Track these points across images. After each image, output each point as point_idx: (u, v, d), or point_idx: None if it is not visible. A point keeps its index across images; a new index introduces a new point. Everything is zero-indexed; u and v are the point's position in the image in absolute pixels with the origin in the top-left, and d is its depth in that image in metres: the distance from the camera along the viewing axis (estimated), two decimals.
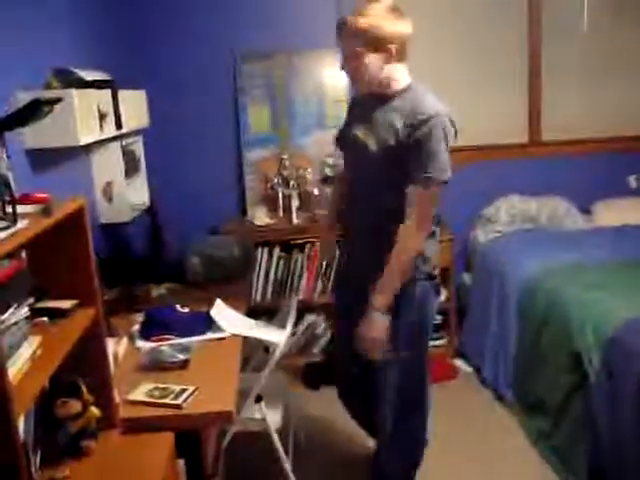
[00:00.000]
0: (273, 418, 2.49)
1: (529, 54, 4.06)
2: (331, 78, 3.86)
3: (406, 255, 2.17)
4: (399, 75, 2.22)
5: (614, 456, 2.43)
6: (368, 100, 2.30)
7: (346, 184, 2.47)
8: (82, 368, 1.77)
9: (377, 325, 2.20)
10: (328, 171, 3.82)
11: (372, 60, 2.15)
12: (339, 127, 2.52)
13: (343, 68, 2.26)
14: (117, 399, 1.92)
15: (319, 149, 3.88)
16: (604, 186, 4.04)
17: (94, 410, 1.78)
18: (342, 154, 2.52)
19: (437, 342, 3.73)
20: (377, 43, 2.13)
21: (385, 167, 2.18)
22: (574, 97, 4.11)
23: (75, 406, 1.73)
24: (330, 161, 3.82)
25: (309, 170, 3.83)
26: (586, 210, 4.01)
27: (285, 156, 3.82)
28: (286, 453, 2.60)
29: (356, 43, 2.14)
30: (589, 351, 2.57)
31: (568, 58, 4.07)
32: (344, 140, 2.44)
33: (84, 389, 1.75)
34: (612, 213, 3.93)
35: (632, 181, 4.14)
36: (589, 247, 3.45)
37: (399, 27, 2.15)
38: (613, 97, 4.13)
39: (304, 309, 3.67)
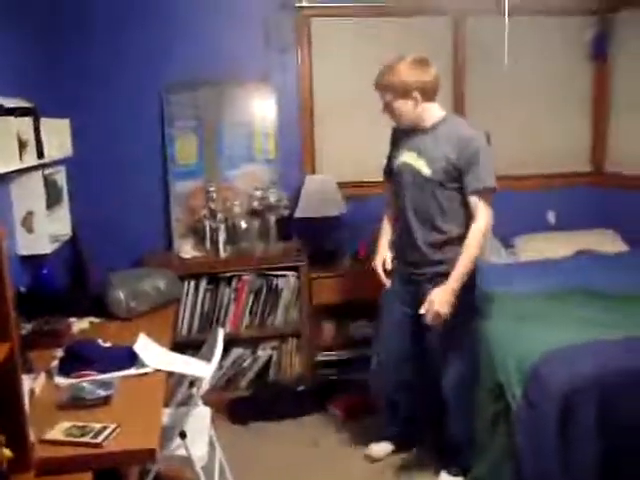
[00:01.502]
0: (198, 454, 2.43)
1: (453, 94, 4.15)
2: (260, 110, 3.89)
3: (476, 251, 2.69)
4: (430, 112, 2.74)
5: None
6: (409, 130, 2.79)
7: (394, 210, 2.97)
8: None
9: (448, 301, 2.66)
10: (256, 204, 3.82)
11: (401, 105, 2.70)
12: (387, 160, 2.98)
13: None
14: (32, 439, 1.83)
15: (247, 182, 3.88)
16: (525, 221, 4.18)
17: (5, 451, 1.69)
18: (390, 186, 2.97)
19: None
20: (402, 92, 2.67)
21: (439, 186, 2.70)
22: (498, 137, 4.24)
23: None
24: (258, 194, 3.82)
25: (237, 203, 3.82)
26: (508, 244, 4.13)
27: (213, 188, 3.78)
28: None
29: (386, 94, 2.72)
30: (510, 382, 2.62)
31: (490, 96, 4.20)
32: (393, 169, 2.88)
33: None
34: (532, 247, 4.06)
35: (550, 217, 4.30)
36: (513, 280, 3.54)
37: (419, 76, 2.67)
38: (534, 136, 4.29)
39: (231, 342, 3.63)
